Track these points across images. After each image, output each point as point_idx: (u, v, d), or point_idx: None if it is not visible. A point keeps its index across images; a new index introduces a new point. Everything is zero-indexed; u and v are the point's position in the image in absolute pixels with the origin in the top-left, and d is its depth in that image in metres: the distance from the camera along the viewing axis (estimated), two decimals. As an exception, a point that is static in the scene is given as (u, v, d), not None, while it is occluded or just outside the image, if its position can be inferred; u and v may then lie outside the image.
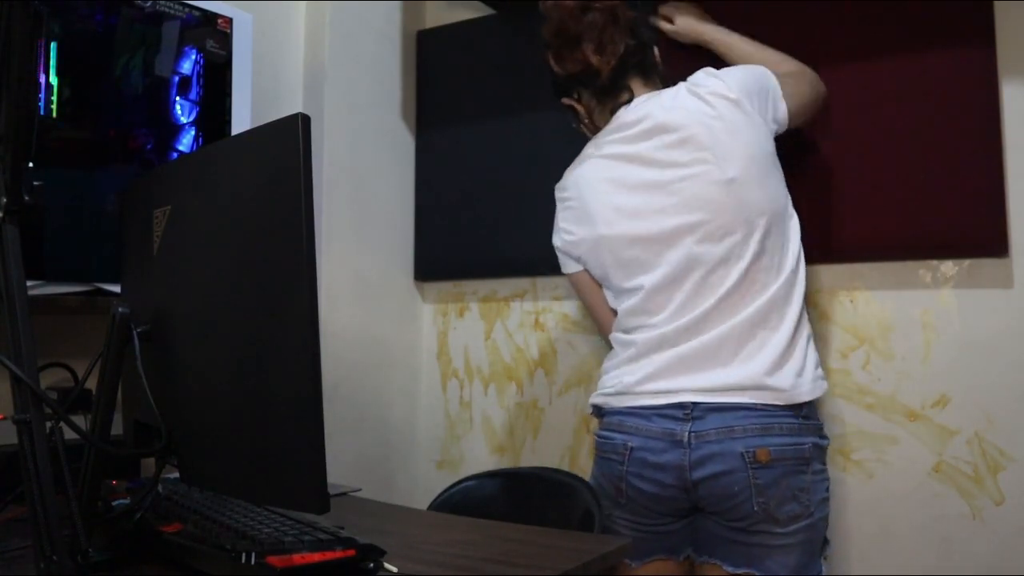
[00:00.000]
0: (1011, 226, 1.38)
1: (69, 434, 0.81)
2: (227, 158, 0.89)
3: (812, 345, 1.25)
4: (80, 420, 0.87)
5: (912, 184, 1.44)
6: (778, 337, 1.20)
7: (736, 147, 1.21)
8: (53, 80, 1.28)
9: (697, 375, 1.21)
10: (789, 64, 1.37)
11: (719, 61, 1.44)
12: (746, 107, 1.23)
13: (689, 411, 1.20)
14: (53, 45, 1.29)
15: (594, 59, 1.31)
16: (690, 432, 1.19)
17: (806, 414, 1.21)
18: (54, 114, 1.29)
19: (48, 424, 0.79)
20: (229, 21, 1.57)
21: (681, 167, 1.24)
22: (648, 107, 1.29)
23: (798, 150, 1.44)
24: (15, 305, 0.78)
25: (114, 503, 0.97)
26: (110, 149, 1.38)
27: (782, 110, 1.28)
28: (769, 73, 1.29)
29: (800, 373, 1.20)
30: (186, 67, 1.50)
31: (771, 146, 1.26)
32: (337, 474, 1.43)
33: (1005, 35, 1.39)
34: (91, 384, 0.94)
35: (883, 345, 1.49)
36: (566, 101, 1.42)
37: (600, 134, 1.36)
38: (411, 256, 2.06)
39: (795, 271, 1.25)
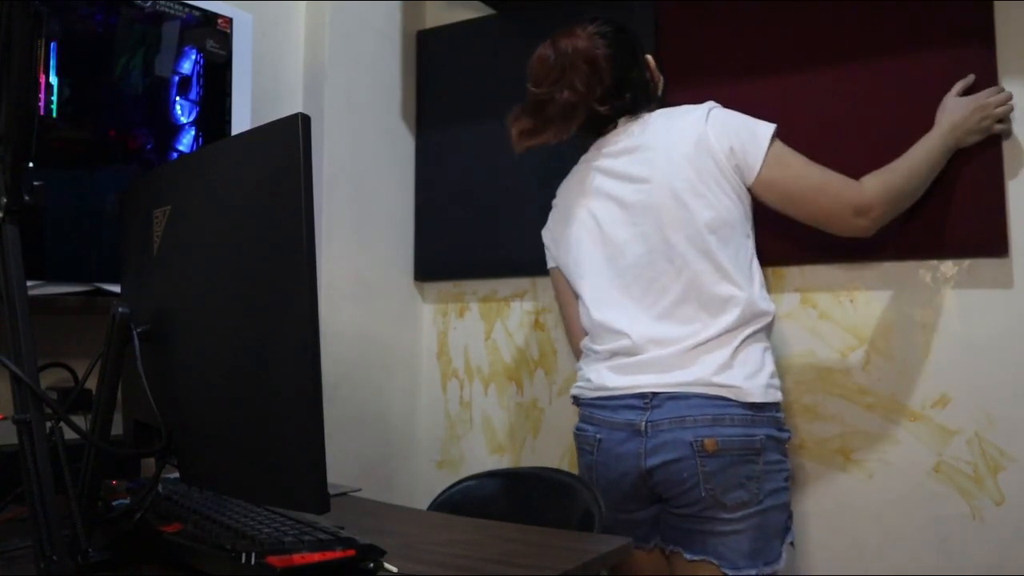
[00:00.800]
0: (1011, 226, 1.38)
1: (69, 434, 0.81)
2: (227, 158, 0.89)
3: (769, 357, 1.28)
4: (80, 420, 0.87)
5: (912, 184, 1.43)
6: (730, 346, 1.24)
7: (683, 162, 1.27)
8: (53, 80, 1.28)
9: (659, 375, 1.27)
10: (872, 179, 1.30)
11: (725, 89, 1.44)
12: (711, 139, 1.27)
13: (649, 400, 1.26)
14: (53, 45, 1.28)
15: (516, 136, 1.39)
16: (647, 422, 1.25)
17: (760, 408, 1.24)
18: (54, 114, 1.29)
19: (48, 424, 0.79)
20: (229, 21, 1.58)
21: (637, 181, 1.32)
22: (628, 128, 1.37)
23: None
24: (15, 305, 0.78)
25: (114, 503, 0.97)
26: (110, 149, 1.38)
27: (753, 167, 1.27)
28: (770, 133, 1.27)
29: (751, 377, 1.24)
30: (186, 67, 1.50)
31: (723, 167, 1.27)
32: (337, 474, 1.43)
33: (1005, 35, 1.39)
34: (91, 384, 0.94)
35: (883, 345, 1.49)
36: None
37: (592, 148, 1.44)
38: (411, 256, 2.06)
39: (750, 285, 1.27)
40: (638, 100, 1.39)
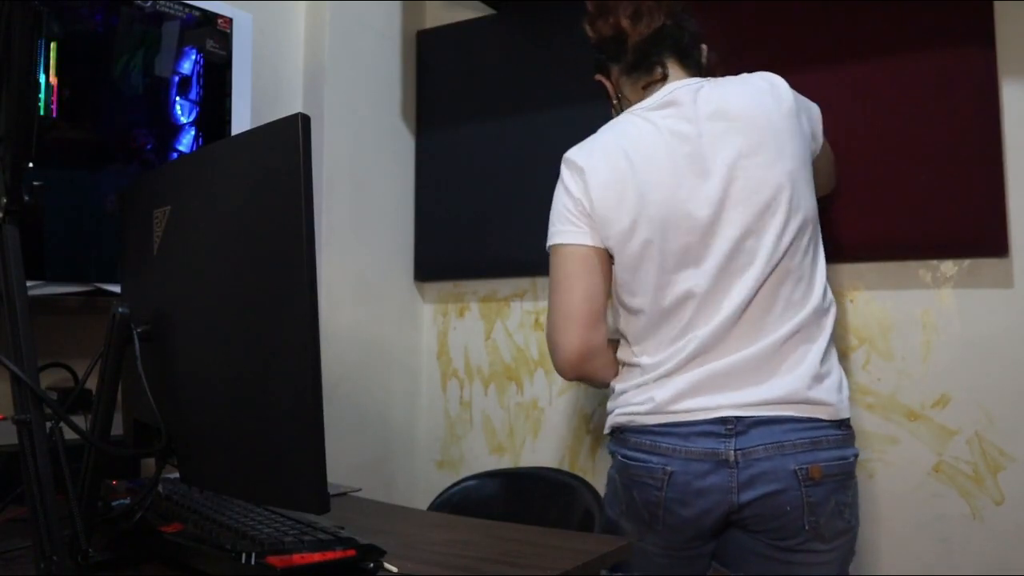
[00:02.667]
0: (1011, 226, 1.38)
1: (69, 434, 0.81)
2: (227, 158, 0.89)
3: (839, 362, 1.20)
4: (80, 420, 0.86)
5: (912, 184, 1.44)
6: (816, 350, 1.14)
7: (787, 148, 1.15)
8: (53, 80, 1.28)
9: (736, 391, 1.12)
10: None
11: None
12: (799, 118, 1.19)
13: (732, 426, 1.10)
14: (53, 45, 1.28)
15: (625, 23, 1.23)
16: (736, 450, 1.10)
17: (847, 426, 1.16)
18: (54, 114, 1.29)
19: (48, 424, 0.79)
20: (229, 21, 1.57)
21: (729, 158, 1.14)
22: (705, 90, 1.20)
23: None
24: (15, 305, 0.78)
25: (114, 503, 0.97)
26: (110, 149, 1.38)
27: (819, 138, 1.24)
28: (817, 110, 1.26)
29: (840, 388, 1.15)
30: (186, 67, 1.50)
31: (810, 158, 1.21)
32: (337, 474, 1.43)
33: (1005, 35, 1.39)
34: (91, 384, 0.94)
35: (883, 345, 1.49)
36: (598, 77, 1.34)
37: (640, 106, 1.24)
38: (411, 256, 2.06)
39: (827, 286, 1.19)
40: (687, 58, 1.26)
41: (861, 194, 1.47)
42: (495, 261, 1.93)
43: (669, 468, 1.13)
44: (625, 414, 1.19)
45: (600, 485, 1.61)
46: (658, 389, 1.16)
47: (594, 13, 1.28)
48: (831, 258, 1.51)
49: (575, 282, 1.22)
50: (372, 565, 0.84)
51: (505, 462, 1.91)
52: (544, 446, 1.87)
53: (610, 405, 1.25)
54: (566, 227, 1.24)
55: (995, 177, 1.38)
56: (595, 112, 1.44)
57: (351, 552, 0.82)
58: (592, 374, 1.26)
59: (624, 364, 1.25)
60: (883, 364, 1.49)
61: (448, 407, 2.02)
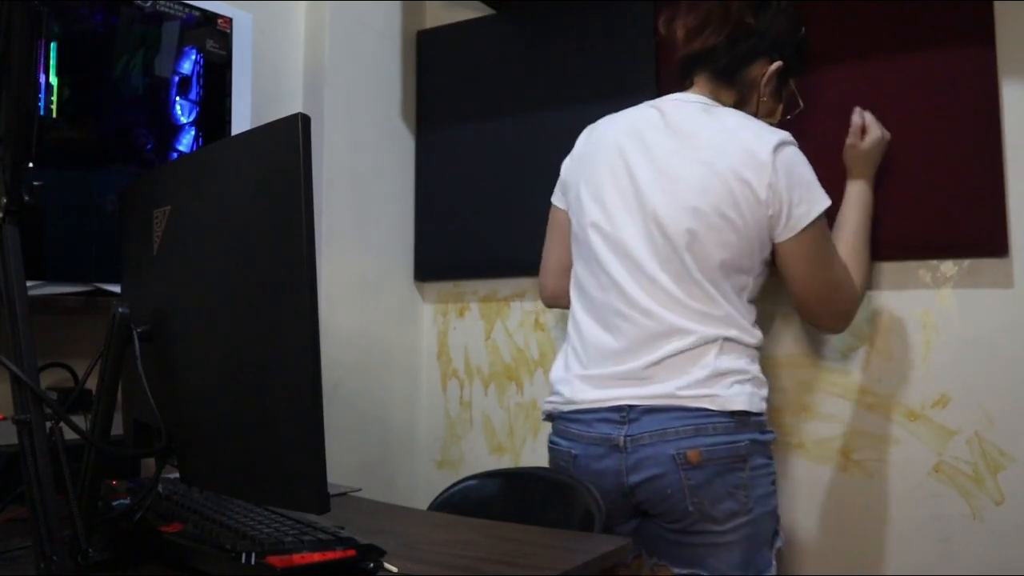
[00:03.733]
0: (1011, 226, 1.38)
1: (69, 434, 0.81)
2: (227, 158, 0.89)
3: (758, 381, 1.25)
4: (80, 420, 0.86)
5: (912, 184, 1.44)
6: (712, 348, 1.21)
7: (721, 189, 1.20)
8: (53, 80, 1.28)
9: (636, 387, 1.23)
10: (857, 277, 1.34)
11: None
12: (766, 177, 1.20)
13: (625, 414, 1.22)
14: (53, 45, 1.28)
15: (680, 36, 1.32)
16: (625, 436, 1.21)
17: (742, 415, 1.20)
18: (54, 114, 1.29)
19: (48, 424, 0.79)
20: (229, 21, 1.57)
21: (674, 177, 1.24)
22: (698, 112, 1.28)
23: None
24: (15, 305, 0.78)
25: (114, 503, 0.97)
26: (110, 149, 1.38)
27: (784, 232, 1.22)
28: (827, 201, 1.24)
29: (733, 386, 1.20)
30: (186, 67, 1.50)
31: (755, 218, 1.22)
32: (337, 474, 1.43)
33: (1005, 35, 1.39)
34: (91, 384, 0.94)
35: (883, 345, 1.49)
36: None
37: (657, 102, 1.35)
38: (411, 256, 2.06)
39: (744, 322, 1.25)
40: (722, 77, 1.31)
41: (861, 194, 1.47)
42: (495, 261, 1.93)
43: (573, 451, 1.27)
44: (550, 403, 1.36)
45: (600, 485, 1.62)
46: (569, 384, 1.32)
47: (666, 15, 1.36)
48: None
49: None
50: (372, 565, 0.84)
51: (505, 462, 1.91)
52: (544, 446, 1.86)
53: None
54: None
55: (995, 177, 1.38)
56: (595, 112, 1.44)
57: (351, 552, 0.82)
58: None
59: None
60: (883, 364, 1.49)
61: (448, 407, 2.02)
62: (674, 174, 1.24)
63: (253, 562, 0.77)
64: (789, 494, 1.54)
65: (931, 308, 1.46)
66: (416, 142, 2.07)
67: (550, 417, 1.36)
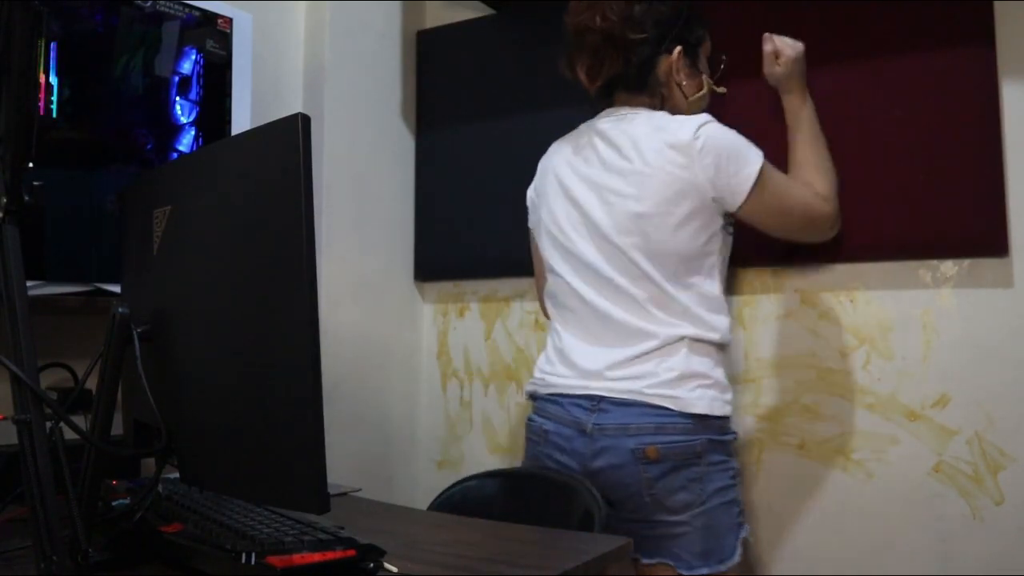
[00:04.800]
0: (1011, 226, 1.38)
1: (69, 434, 0.81)
2: (227, 158, 0.89)
3: (720, 386, 1.30)
4: (80, 420, 0.87)
5: (912, 184, 1.44)
6: (678, 351, 1.27)
7: (655, 188, 1.27)
8: (53, 80, 1.28)
9: (607, 381, 1.30)
10: (819, 186, 1.36)
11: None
12: (696, 164, 1.25)
13: (596, 403, 1.29)
14: (53, 45, 1.28)
15: (583, 78, 1.39)
16: (593, 424, 1.28)
17: (702, 417, 1.26)
18: (54, 114, 1.29)
19: (48, 424, 0.79)
20: (229, 21, 1.58)
21: (604, 188, 1.33)
22: (619, 124, 1.35)
23: (798, 150, 1.44)
24: (15, 305, 0.78)
25: (114, 503, 0.97)
26: (110, 149, 1.38)
27: (736, 199, 1.27)
28: (759, 157, 1.28)
29: (695, 389, 1.26)
30: (186, 67, 1.50)
31: (698, 205, 1.27)
32: (337, 474, 1.43)
33: (1005, 35, 1.39)
34: (91, 384, 0.94)
35: (883, 345, 1.49)
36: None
37: (590, 122, 1.43)
38: (411, 256, 2.06)
39: (711, 302, 1.31)
40: (639, 89, 1.36)
41: (861, 194, 1.47)
42: (495, 261, 1.93)
43: (545, 427, 1.36)
44: (532, 384, 1.45)
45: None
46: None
47: (565, 62, 1.42)
48: (831, 258, 1.52)
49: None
50: (372, 565, 0.84)
51: (505, 462, 1.91)
52: (544, 446, 1.87)
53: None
54: None
55: (995, 177, 1.38)
56: (595, 112, 1.44)
57: (351, 552, 0.82)
58: None
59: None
60: (883, 364, 1.49)
61: (448, 407, 2.02)
62: (612, 187, 1.32)
63: (253, 562, 0.77)
64: (789, 494, 1.54)
65: (931, 308, 1.46)
66: (416, 142, 2.07)
67: (532, 397, 1.44)
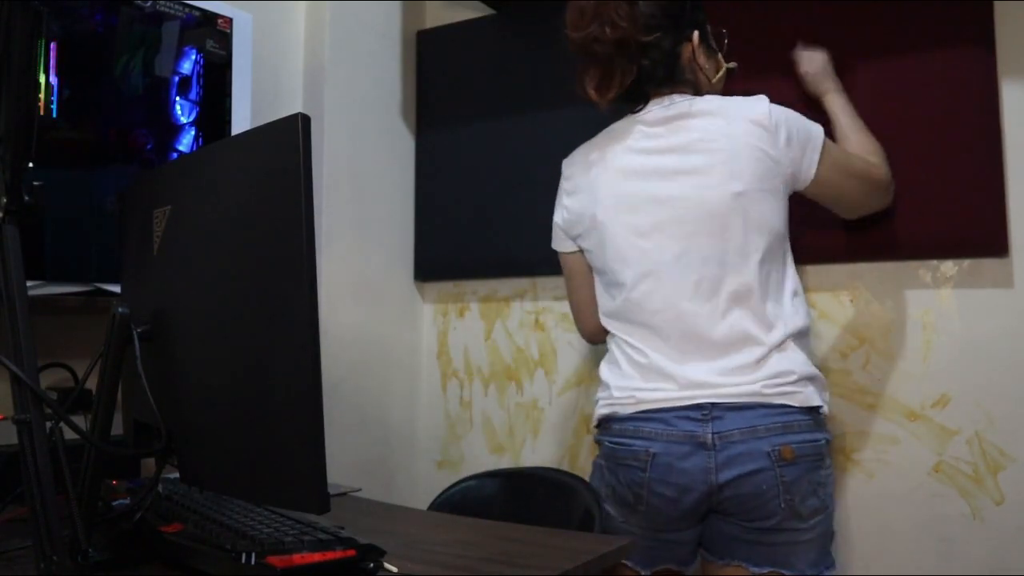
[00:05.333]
0: (1011, 226, 1.38)
1: (69, 434, 0.81)
2: (227, 158, 0.89)
3: (821, 380, 1.25)
4: (80, 420, 0.87)
5: (912, 184, 1.44)
6: (780, 345, 1.21)
7: (747, 165, 1.21)
8: (53, 80, 1.28)
9: (714, 386, 1.20)
10: (871, 154, 1.35)
11: (724, 89, 1.38)
12: (777, 140, 1.22)
13: (707, 411, 1.19)
14: (53, 45, 1.28)
15: (592, 94, 1.31)
16: (713, 433, 1.18)
17: (818, 413, 1.22)
18: (54, 114, 1.29)
19: (48, 424, 0.79)
20: (229, 21, 1.57)
21: (690, 173, 1.24)
22: (674, 108, 1.28)
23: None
24: (15, 305, 0.78)
25: (114, 503, 0.97)
26: (110, 149, 1.38)
27: (810, 171, 1.25)
28: (820, 129, 1.27)
29: (807, 385, 1.21)
30: (186, 67, 1.50)
31: (779, 182, 1.24)
32: (337, 474, 1.43)
33: (1005, 35, 1.39)
34: (91, 384, 0.94)
35: (883, 345, 1.49)
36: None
37: (618, 124, 1.35)
38: (411, 256, 2.06)
39: (796, 292, 1.26)
40: (668, 82, 1.30)
41: (861, 194, 1.47)
42: (495, 261, 1.93)
43: (652, 449, 1.21)
44: (608, 405, 1.29)
45: (600, 485, 1.61)
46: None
47: (578, 79, 1.32)
48: (831, 258, 1.52)
49: None
50: (372, 565, 0.84)
51: (505, 462, 1.91)
52: (544, 446, 1.87)
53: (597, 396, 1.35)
54: None
55: (995, 177, 1.38)
56: (595, 112, 1.44)
57: (351, 552, 0.82)
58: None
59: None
60: (883, 364, 1.49)
61: (448, 407, 2.02)
62: (701, 171, 1.23)
63: (253, 562, 0.77)
64: (789, 494, 1.55)
65: (931, 308, 1.46)
66: (416, 142, 2.07)
67: (606, 420, 1.30)
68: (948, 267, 1.45)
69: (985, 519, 1.38)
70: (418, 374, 2.06)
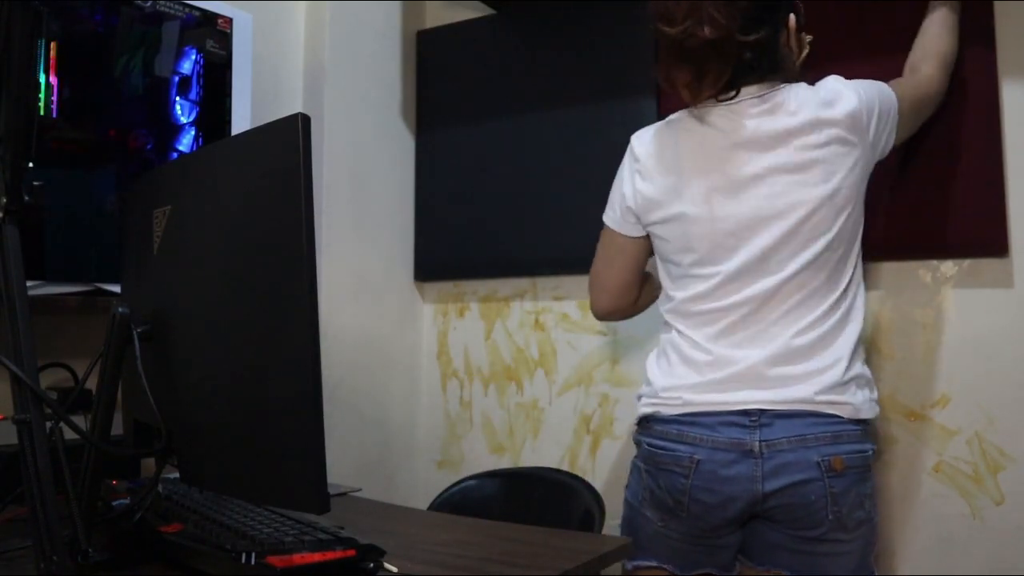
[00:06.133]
0: (1011, 226, 1.38)
1: (69, 434, 0.81)
2: (227, 158, 0.89)
3: (872, 384, 1.22)
4: (80, 420, 0.87)
5: (912, 184, 1.44)
6: (843, 353, 1.17)
7: (841, 163, 1.17)
8: (53, 80, 1.28)
9: (764, 386, 1.16)
10: (924, 63, 1.34)
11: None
12: (868, 127, 1.19)
13: (756, 418, 1.15)
14: (53, 45, 1.28)
15: (685, 93, 1.24)
16: (760, 441, 1.14)
17: (866, 423, 1.19)
18: (54, 114, 1.29)
19: (48, 424, 0.79)
20: (229, 21, 1.58)
21: (782, 171, 1.18)
22: (773, 100, 1.20)
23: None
24: (15, 305, 0.78)
25: (114, 503, 0.97)
26: (110, 149, 1.38)
27: (890, 145, 1.24)
28: (895, 101, 1.23)
29: (858, 392, 1.18)
30: (186, 67, 1.50)
31: (865, 173, 1.21)
32: (337, 474, 1.44)
33: (1005, 35, 1.39)
34: (91, 384, 0.94)
35: (883, 345, 1.49)
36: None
37: (705, 105, 1.24)
38: (411, 256, 2.06)
39: (857, 294, 1.22)
40: (762, 77, 1.21)
41: (861, 194, 1.47)
42: (495, 261, 1.93)
43: (696, 456, 1.16)
44: (651, 404, 1.24)
45: (600, 485, 1.62)
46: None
47: (659, 72, 1.25)
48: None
49: None
50: (372, 565, 0.84)
51: (505, 462, 1.91)
52: (544, 446, 1.87)
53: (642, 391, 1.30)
54: None
55: (995, 177, 1.38)
56: (595, 112, 1.44)
57: (351, 552, 0.82)
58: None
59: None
60: (883, 364, 1.49)
61: (448, 407, 2.02)
62: (800, 167, 1.17)
63: (253, 562, 0.77)
64: (789, 494, 1.54)
65: (931, 308, 1.46)
66: (416, 142, 2.07)
67: (647, 420, 1.25)
68: (948, 267, 1.45)
69: (985, 519, 1.38)
70: (418, 374, 2.06)
